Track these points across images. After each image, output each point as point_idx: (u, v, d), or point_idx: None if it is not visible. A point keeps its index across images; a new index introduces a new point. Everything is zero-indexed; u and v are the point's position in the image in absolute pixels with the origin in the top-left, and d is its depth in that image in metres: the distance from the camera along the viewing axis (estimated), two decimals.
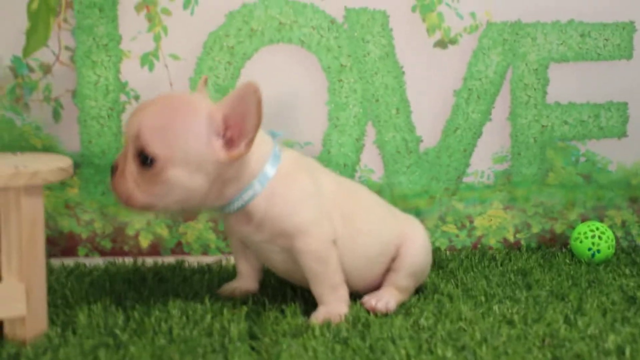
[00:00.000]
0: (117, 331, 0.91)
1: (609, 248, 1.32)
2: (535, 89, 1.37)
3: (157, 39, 1.26)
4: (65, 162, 0.95)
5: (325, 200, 1.00)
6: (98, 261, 1.27)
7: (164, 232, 1.30)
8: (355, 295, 1.04)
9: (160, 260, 1.28)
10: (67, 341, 0.88)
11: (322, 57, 1.30)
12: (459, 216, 1.38)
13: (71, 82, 1.25)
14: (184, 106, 0.92)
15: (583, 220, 1.40)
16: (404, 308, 1.04)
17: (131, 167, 0.91)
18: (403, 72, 1.32)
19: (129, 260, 1.27)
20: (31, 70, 1.23)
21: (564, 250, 1.39)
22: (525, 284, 1.18)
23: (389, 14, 1.30)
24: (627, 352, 0.86)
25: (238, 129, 0.90)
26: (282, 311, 1.01)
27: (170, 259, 1.28)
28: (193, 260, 1.28)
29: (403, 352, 0.84)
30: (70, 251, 1.29)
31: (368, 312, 1.01)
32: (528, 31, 1.35)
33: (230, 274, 1.18)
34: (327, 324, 0.94)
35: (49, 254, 1.26)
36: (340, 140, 1.32)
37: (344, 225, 1.01)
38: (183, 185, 0.90)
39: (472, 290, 1.13)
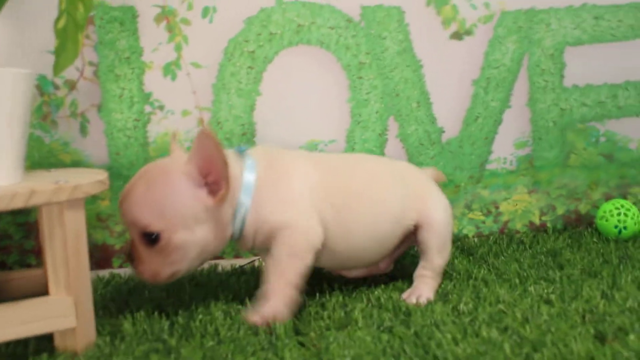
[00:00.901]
0: (165, 336, 0.93)
1: (635, 224, 1.33)
2: (552, 74, 1.38)
3: (178, 48, 1.28)
4: (102, 175, 0.97)
5: (311, 196, 1.00)
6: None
7: None
8: (385, 281, 1.06)
9: None
10: (117, 349, 0.90)
11: (341, 56, 1.32)
12: (484, 203, 1.40)
13: (96, 97, 1.27)
14: (161, 177, 0.96)
15: (607, 199, 1.42)
16: (441, 295, 1.06)
17: (144, 250, 0.96)
18: (421, 66, 1.34)
19: None
20: (56, 87, 1.26)
21: (589, 229, 1.41)
22: (557, 264, 1.19)
23: (404, 9, 1.32)
24: None
25: (213, 173, 0.95)
26: (322, 305, 1.03)
27: (203, 264, 1.30)
28: (226, 263, 1.30)
29: (449, 336, 0.86)
30: (104, 263, 1.31)
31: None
32: (542, 17, 1.37)
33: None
34: (368, 314, 0.96)
35: None
36: (364, 136, 1.34)
37: (336, 214, 1.01)
38: (192, 243, 0.96)
39: (506, 274, 1.14)
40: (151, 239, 0.94)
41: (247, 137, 1.31)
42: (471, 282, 1.11)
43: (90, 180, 0.92)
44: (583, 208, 1.43)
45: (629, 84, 1.40)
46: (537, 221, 1.42)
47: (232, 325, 0.96)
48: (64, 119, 1.27)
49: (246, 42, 1.29)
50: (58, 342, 0.91)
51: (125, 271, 1.28)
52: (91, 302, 0.94)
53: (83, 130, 1.28)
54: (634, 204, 1.39)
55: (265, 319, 0.95)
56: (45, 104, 1.26)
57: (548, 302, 0.99)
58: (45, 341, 0.92)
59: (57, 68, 1.02)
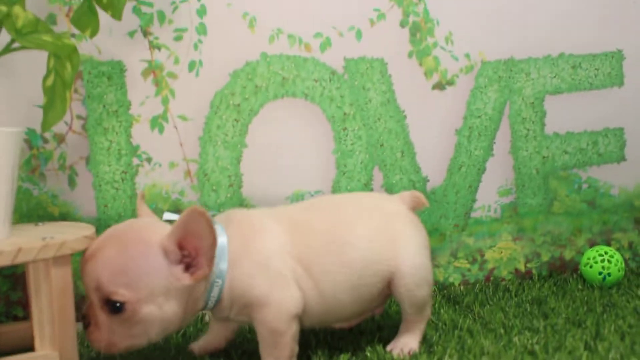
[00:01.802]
0: None
1: (619, 271, 1.35)
2: (533, 122, 1.41)
3: (165, 101, 1.30)
4: (88, 230, 0.98)
5: (282, 259, 0.96)
6: None
7: None
8: (371, 331, 1.06)
9: None
10: None
11: (325, 107, 1.34)
12: (470, 251, 1.41)
13: (84, 150, 1.29)
14: (135, 244, 0.90)
15: (591, 246, 1.43)
16: (426, 346, 1.06)
17: (102, 317, 0.89)
18: (405, 116, 1.37)
19: None
20: (45, 141, 1.27)
21: (574, 276, 1.42)
22: (542, 313, 1.20)
23: (387, 61, 1.35)
24: None
25: (195, 251, 0.90)
26: (308, 358, 1.03)
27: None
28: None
29: None
30: None
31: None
32: (521, 67, 1.40)
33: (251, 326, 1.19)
34: None
35: None
36: (350, 186, 1.36)
37: (305, 272, 0.97)
38: (159, 318, 0.89)
39: (491, 324, 1.15)
40: (114, 307, 0.87)
41: (234, 189, 1.32)
42: (456, 332, 1.12)
43: (76, 235, 0.93)
44: (568, 254, 1.44)
45: (608, 130, 1.43)
46: (522, 268, 1.43)
47: None
48: (52, 171, 1.28)
49: (232, 94, 1.31)
50: None
51: None
52: (77, 357, 0.94)
53: (71, 182, 1.29)
54: (617, 249, 1.41)
55: None
56: (34, 157, 1.27)
57: (532, 353, 1.00)
58: None
59: (46, 125, 1.03)
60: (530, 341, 1.05)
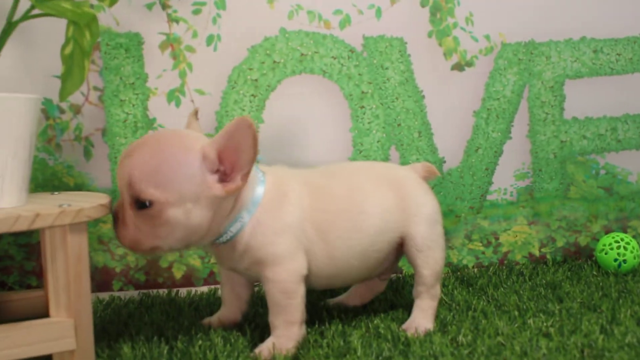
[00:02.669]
0: None
1: (634, 258, 1.34)
2: (552, 106, 1.40)
3: (182, 75, 1.29)
4: (104, 199, 0.98)
5: (300, 225, 0.98)
6: (132, 294, 1.29)
7: (196, 262, 1.33)
8: (384, 309, 1.06)
9: (193, 290, 1.30)
10: None
11: (343, 85, 1.33)
12: (484, 233, 1.40)
13: (100, 121, 1.28)
14: (173, 147, 0.91)
15: (607, 232, 1.42)
16: (440, 325, 1.06)
17: (130, 214, 0.91)
18: (423, 96, 1.36)
19: (163, 291, 1.29)
20: (62, 111, 1.27)
21: (589, 262, 1.41)
22: (556, 297, 1.19)
23: (406, 40, 1.34)
24: None
25: (232, 163, 0.90)
26: (322, 333, 1.03)
27: (203, 289, 1.30)
28: None
29: None
30: (105, 285, 1.31)
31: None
32: (542, 50, 1.38)
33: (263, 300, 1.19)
34: (367, 343, 0.96)
35: None
36: None
37: (320, 235, 1.00)
38: (184, 224, 0.90)
39: (505, 306, 1.15)
40: (143, 205, 0.89)
41: None
42: (470, 313, 1.11)
43: (93, 204, 0.93)
44: (583, 240, 1.43)
45: (628, 117, 1.42)
46: (536, 253, 1.42)
47: (231, 352, 0.96)
48: (68, 142, 1.28)
49: (250, 70, 1.31)
50: None
51: (125, 294, 1.28)
52: (91, 325, 0.94)
53: (87, 154, 1.29)
54: (634, 237, 1.40)
55: (270, 354, 0.95)
56: (50, 127, 1.27)
57: (547, 335, 1.00)
58: None
59: (64, 93, 1.03)
60: (545, 324, 1.04)
